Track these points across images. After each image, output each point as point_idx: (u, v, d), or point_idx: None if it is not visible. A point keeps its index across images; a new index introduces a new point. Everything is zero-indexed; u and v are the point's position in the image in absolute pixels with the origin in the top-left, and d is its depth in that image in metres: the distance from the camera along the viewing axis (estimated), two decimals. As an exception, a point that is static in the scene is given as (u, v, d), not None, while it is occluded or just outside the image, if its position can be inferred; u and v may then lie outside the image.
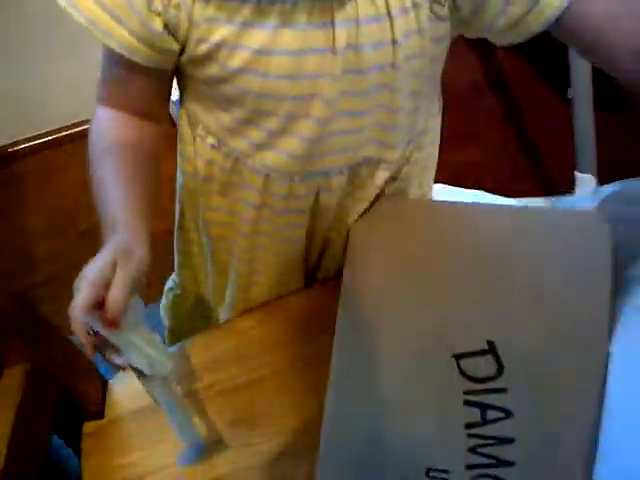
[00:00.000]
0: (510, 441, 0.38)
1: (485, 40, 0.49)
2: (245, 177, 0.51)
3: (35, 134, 1.24)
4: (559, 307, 0.43)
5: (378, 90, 0.47)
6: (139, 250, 0.42)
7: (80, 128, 1.23)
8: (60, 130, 1.19)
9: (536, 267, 0.45)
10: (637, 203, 0.49)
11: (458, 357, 0.42)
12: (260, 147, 0.49)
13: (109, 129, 0.49)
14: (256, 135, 0.48)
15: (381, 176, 0.54)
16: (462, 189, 0.62)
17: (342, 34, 0.43)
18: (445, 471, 0.38)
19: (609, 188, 0.50)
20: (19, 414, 0.47)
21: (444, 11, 0.45)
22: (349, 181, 0.52)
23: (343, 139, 0.49)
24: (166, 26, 0.43)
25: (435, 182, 0.60)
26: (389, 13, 0.43)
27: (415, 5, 0.43)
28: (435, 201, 0.59)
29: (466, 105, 1.34)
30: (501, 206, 0.54)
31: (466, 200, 0.56)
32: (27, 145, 1.24)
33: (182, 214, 0.59)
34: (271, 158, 0.49)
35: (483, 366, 0.41)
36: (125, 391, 0.59)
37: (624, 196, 0.50)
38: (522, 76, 1.42)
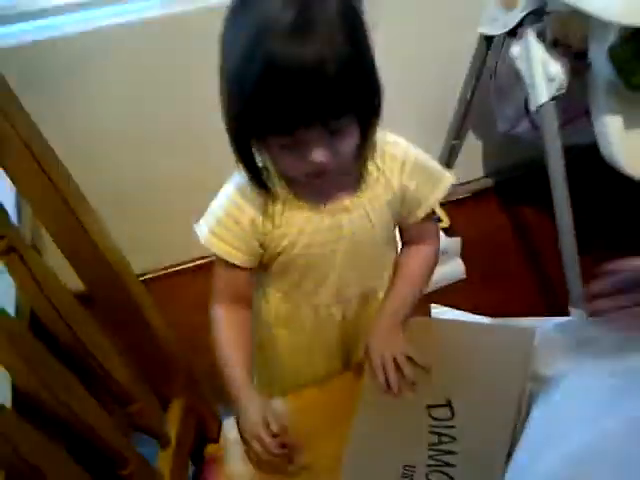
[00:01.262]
0: (454, 453, 0.71)
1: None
2: (301, 310, 0.88)
3: (160, 267, 1.69)
4: (486, 390, 0.76)
5: (367, 251, 0.84)
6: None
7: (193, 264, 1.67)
8: (179, 264, 1.61)
9: (476, 364, 0.79)
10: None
11: (429, 407, 0.75)
12: (308, 294, 0.86)
13: (222, 321, 0.84)
14: (304, 288, 0.85)
15: (379, 296, 0.90)
16: (453, 310, 0.96)
17: (347, 229, 0.80)
18: (414, 466, 0.70)
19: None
20: (181, 429, 0.81)
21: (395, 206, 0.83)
22: (361, 303, 0.89)
23: (353, 281, 0.86)
24: (260, 244, 0.80)
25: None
26: (368, 214, 0.80)
27: (380, 206, 0.81)
28: (432, 320, 0.93)
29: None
30: (465, 322, 0.88)
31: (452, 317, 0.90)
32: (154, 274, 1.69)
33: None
34: (316, 298, 0.86)
35: (443, 412, 0.74)
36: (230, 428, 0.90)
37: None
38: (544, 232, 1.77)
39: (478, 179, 1.97)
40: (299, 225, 0.79)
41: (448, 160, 1.77)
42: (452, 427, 0.73)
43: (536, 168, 1.68)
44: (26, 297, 0.62)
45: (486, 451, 0.70)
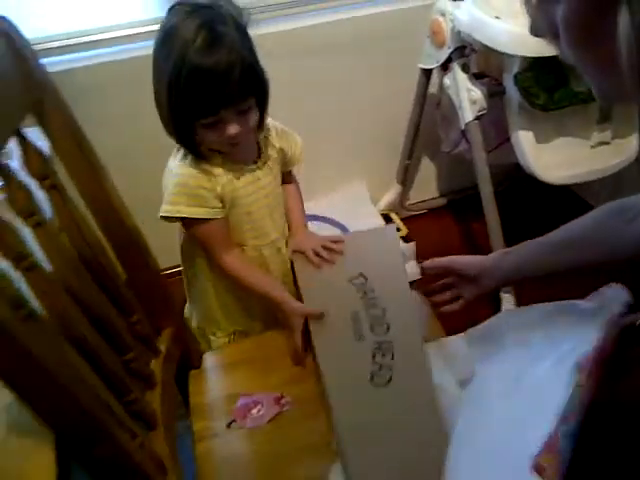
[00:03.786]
0: (377, 298, 1.03)
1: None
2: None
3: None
4: (380, 263, 1.09)
5: (276, 200, 1.19)
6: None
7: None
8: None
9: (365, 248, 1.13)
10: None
11: (350, 280, 1.07)
12: (251, 238, 1.19)
13: (238, 268, 1.14)
14: (247, 234, 1.17)
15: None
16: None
17: (263, 181, 1.13)
18: (358, 311, 1.02)
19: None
20: (167, 357, 1.03)
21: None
22: (278, 245, 1.21)
23: (270, 226, 1.18)
24: (217, 198, 1.07)
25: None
26: (271, 168, 1.15)
27: (274, 162, 1.16)
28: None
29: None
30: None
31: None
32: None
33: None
34: (256, 240, 1.18)
35: (360, 280, 1.06)
36: (210, 357, 1.17)
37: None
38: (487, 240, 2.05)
39: (434, 198, 2.27)
40: (235, 181, 1.09)
41: (404, 178, 2.06)
42: (367, 285, 1.06)
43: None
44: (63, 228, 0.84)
45: (396, 292, 1.05)
